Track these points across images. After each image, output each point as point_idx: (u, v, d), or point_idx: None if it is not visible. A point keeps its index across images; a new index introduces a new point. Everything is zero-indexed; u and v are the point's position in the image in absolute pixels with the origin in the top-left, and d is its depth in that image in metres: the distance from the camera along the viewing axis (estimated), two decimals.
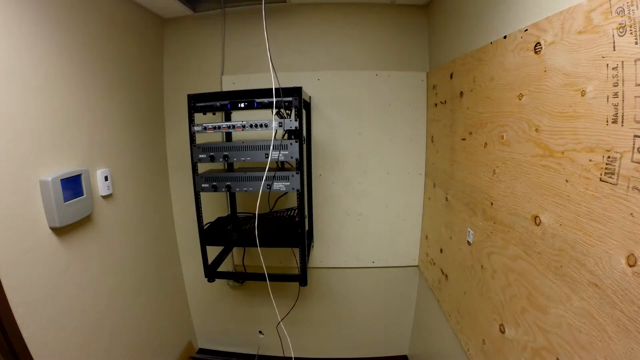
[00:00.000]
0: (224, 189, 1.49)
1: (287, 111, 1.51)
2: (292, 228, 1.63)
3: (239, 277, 2.18)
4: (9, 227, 1.05)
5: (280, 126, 1.42)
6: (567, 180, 0.82)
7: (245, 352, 2.38)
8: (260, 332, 2.41)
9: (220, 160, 1.45)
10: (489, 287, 1.22)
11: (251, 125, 1.43)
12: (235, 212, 1.98)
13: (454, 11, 1.56)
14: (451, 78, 1.55)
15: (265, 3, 1.27)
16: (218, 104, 1.46)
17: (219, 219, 1.85)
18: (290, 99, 1.40)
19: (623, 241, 0.66)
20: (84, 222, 1.37)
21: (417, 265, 2.15)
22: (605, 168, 0.70)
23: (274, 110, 1.40)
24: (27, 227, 1.12)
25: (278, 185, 1.45)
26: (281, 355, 2.38)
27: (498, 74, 1.14)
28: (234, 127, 1.46)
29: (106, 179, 1.49)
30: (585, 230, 0.76)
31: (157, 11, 1.89)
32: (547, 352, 0.89)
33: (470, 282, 1.36)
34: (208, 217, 1.67)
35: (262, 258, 2.18)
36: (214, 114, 1.57)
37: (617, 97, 0.67)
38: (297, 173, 1.43)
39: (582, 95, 0.76)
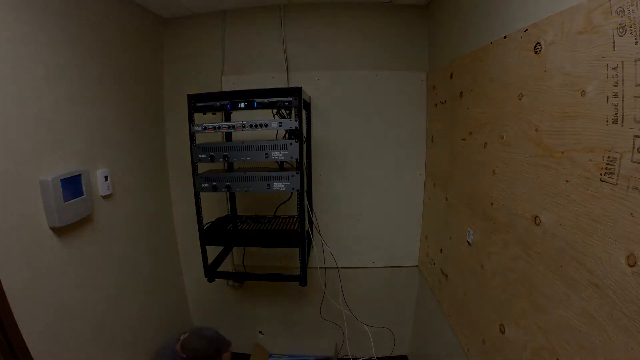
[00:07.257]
0: (223, 189, 1.49)
1: (287, 111, 1.51)
2: (291, 228, 1.63)
3: (239, 277, 2.18)
4: (9, 227, 1.05)
5: (280, 126, 1.42)
6: (567, 180, 0.82)
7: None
8: (260, 332, 2.41)
9: (220, 160, 1.45)
10: (489, 287, 1.22)
11: (251, 125, 1.43)
12: (235, 212, 1.98)
13: (453, 11, 1.56)
14: (451, 78, 1.55)
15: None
16: (218, 104, 1.46)
17: (219, 219, 1.85)
18: (290, 99, 1.39)
19: (623, 241, 0.66)
20: (84, 222, 1.37)
21: (417, 266, 2.15)
22: (605, 168, 0.70)
23: (274, 111, 1.40)
24: (27, 227, 1.12)
25: (278, 185, 1.45)
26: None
27: (498, 74, 1.14)
28: (234, 127, 1.46)
29: (106, 179, 1.49)
30: (585, 230, 0.76)
31: (157, 11, 1.89)
32: (547, 352, 0.89)
33: (470, 282, 1.36)
34: (208, 217, 1.67)
35: (262, 258, 2.19)
36: (214, 114, 1.57)
37: (617, 97, 0.67)
38: (297, 173, 1.43)
39: (582, 96, 0.76)
